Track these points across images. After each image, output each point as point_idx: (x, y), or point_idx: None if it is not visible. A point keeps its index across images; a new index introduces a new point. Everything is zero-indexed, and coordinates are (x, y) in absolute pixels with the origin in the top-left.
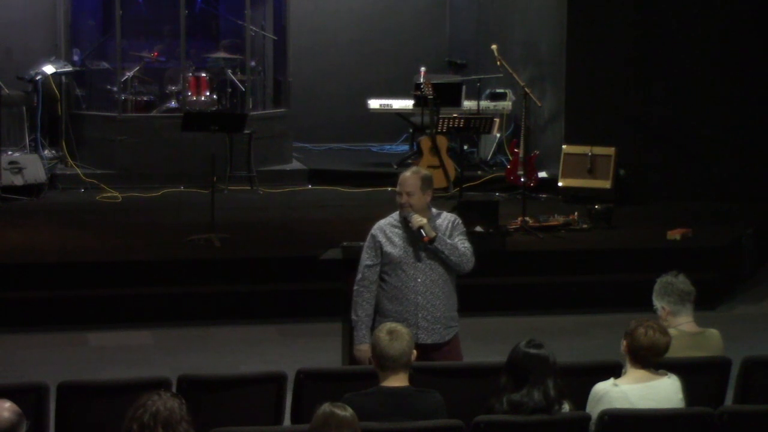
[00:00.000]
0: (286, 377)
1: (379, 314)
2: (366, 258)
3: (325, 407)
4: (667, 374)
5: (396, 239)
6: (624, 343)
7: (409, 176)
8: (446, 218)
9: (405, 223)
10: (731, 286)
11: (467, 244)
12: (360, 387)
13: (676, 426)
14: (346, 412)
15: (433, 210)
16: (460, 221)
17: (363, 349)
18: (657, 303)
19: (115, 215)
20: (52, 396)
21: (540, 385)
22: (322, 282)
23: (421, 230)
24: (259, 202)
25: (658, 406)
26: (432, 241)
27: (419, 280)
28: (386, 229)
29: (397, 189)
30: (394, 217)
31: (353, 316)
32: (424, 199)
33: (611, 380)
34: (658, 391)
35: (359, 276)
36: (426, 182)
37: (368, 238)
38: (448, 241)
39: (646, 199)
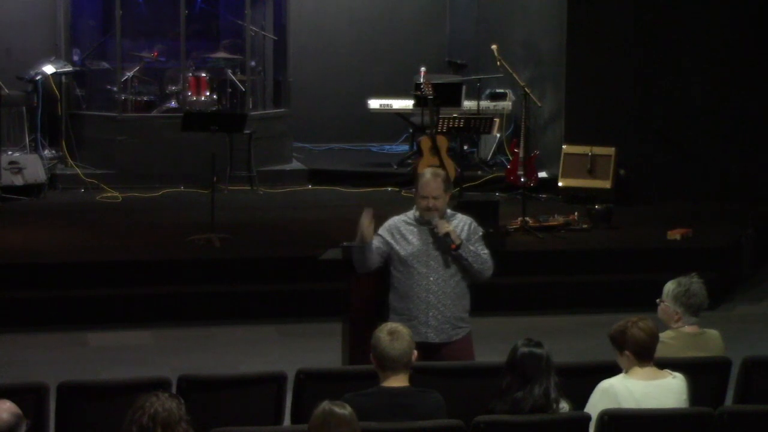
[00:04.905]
0: (286, 377)
1: (393, 312)
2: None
3: (324, 405)
4: (672, 374)
5: (410, 237)
6: (630, 354)
7: (432, 180)
8: (462, 221)
9: (420, 223)
10: (731, 286)
11: (486, 250)
12: (360, 387)
13: (676, 426)
14: (345, 410)
15: (448, 210)
16: (477, 225)
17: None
18: (670, 304)
19: (115, 215)
20: (52, 396)
21: (543, 382)
22: (322, 282)
23: (448, 237)
24: (259, 202)
25: (660, 404)
26: (458, 248)
27: (431, 278)
28: (400, 226)
29: (421, 193)
30: (408, 215)
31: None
32: (446, 201)
33: (621, 375)
34: (663, 390)
35: None
36: (447, 183)
37: (380, 229)
38: (471, 247)
39: (646, 199)
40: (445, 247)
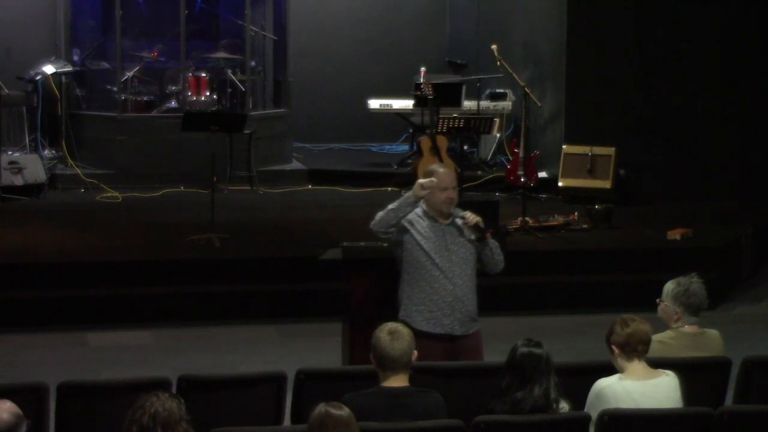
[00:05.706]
0: (286, 377)
1: (410, 302)
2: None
3: (321, 407)
4: (665, 372)
5: (428, 231)
6: (615, 349)
7: (447, 171)
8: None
9: (431, 219)
10: (731, 286)
11: None
12: (360, 387)
13: (676, 426)
14: (342, 411)
15: None
16: None
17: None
18: (670, 304)
19: (115, 215)
20: (52, 396)
21: (542, 382)
22: (322, 282)
23: (479, 225)
24: (259, 202)
25: (657, 404)
26: (490, 236)
27: (456, 271)
28: (416, 221)
29: (441, 186)
30: (417, 211)
31: (391, 207)
32: None
33: (617, 376)
34: (658, 389)
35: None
36: None
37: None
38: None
39: (646, 199)
40: (474, 236)
